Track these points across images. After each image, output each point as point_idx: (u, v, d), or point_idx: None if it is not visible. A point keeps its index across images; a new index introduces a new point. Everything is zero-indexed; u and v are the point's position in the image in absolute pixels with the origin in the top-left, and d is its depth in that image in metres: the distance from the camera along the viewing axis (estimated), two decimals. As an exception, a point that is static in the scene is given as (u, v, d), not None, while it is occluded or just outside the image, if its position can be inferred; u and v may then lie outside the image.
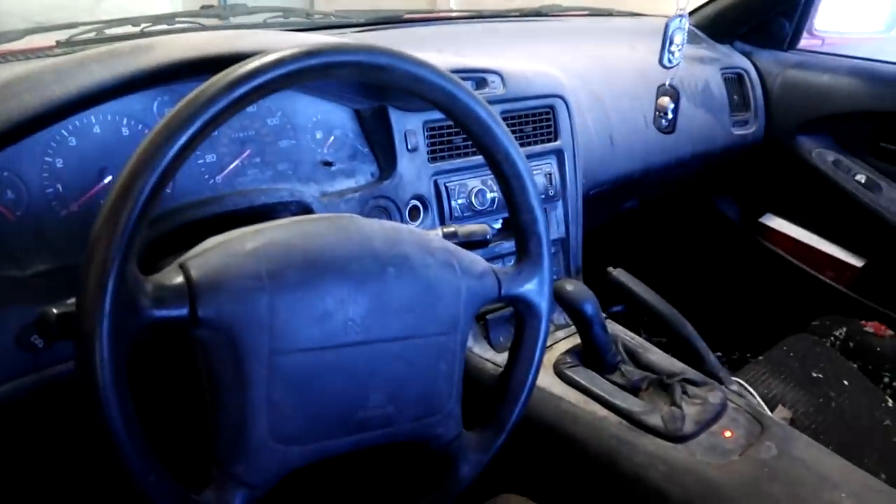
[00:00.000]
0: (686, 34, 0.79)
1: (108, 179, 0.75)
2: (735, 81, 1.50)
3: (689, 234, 1.72)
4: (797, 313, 1.54)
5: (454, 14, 1.59)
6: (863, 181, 1.43)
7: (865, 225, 1.43)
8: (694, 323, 1.11)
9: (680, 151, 1.40)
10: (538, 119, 1.11)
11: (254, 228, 0.60)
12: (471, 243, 0.79)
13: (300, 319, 0.55)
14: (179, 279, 0.53)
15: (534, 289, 0.71)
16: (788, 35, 1.55)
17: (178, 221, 0.77)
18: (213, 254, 0.56)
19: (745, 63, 1.53)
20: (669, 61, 0.79)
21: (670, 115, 0.86)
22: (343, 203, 0.89)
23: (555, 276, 1.09)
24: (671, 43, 0.79)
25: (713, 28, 1.56)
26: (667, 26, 0.79)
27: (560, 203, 1.15)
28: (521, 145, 1.08)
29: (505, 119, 1.06)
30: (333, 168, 0.93)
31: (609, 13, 1.64)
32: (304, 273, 0.56)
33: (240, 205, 0.82)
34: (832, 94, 1.46)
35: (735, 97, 1.49)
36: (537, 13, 1.59)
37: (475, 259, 0.69)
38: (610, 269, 1.13)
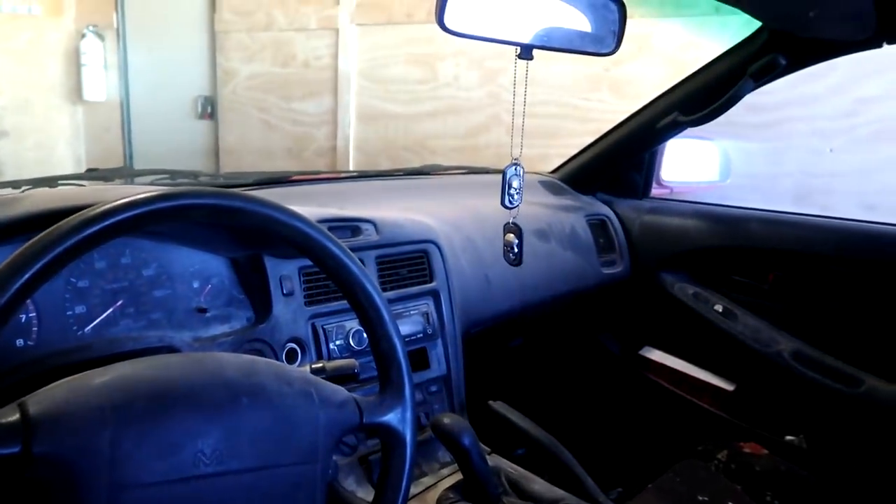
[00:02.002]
0: (522, 179, 0.90)
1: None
2: (599, 227, 1.65)
3: (576, 370, 1.79)
4: (683, 440, 1.60)
5: (341, 174, 1.70)
6: (721, 311, 1.57)
7: (730, 351, 1.55)
8: (587, 456, 1.15)
9: (555, 289, 1.50)
10: (413, 263, 1.18)
11: (105, 367, 0.61)
12: (339, 377, 0.81)
13: (145, 453, 0.55)
14: (14, 417, 0.52)
15: (396, 417, 0.73)
16: (640, 186, 1.75)
17: (38, 369, 0.76)
18: (56, 391, 0.56)
19: (606, 210, 1.70)
20: (511, 202, 0.90)
21: (516, 250, 0.95)
22: (216, 347, 0.91)
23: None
24: (510, 187, 0.89)
25: (576, 182, 1.75)
26: (504, 173, 0.90)
27: (440, 342, 1.19)
28: (397, 287, 1.16)
29: (380, 263, 1.13)
30: (208, 314, 0.95)
31: (485, 171, 1.80)
32: (151, 405, 0.57)
33: (106, 352, 0.82)
34: (683, 235, 1.63)
35: (601, 240, 1.64)
36: (419, 171, 1.73)
37: (336, 389, 0.71)
38: (490, 402, 1.17)
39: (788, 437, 1.48)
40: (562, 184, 1.75)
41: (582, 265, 1.56)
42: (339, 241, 0.71)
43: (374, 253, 1.12)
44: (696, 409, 1.60)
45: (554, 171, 1.82)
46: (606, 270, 1.62)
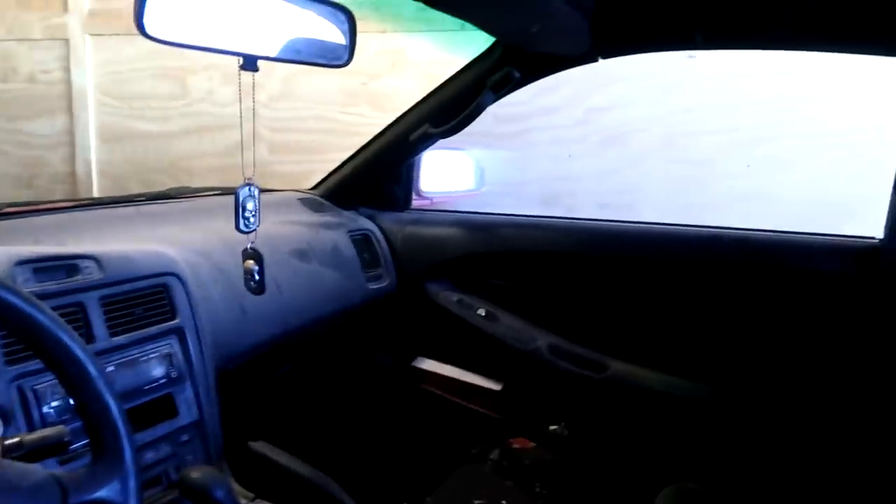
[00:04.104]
0: (258, 200, 0.84)
1: None
2: (362, 242, 1.63)
3: (351, 390, 1.75)
4: (460, 445, 1.63)
5: (64, 203, 1.48)
6: (484, 314, 1.63)
7: (495, 352, 1.61)
8: (369, 477, 1.10)
9: (320, 311, 1.44)
10: (150, 300, 1.05)
11: None
12: (45, 450, 0.68)
13: None
14: None
15: (114, 489, 0.62)
16: (401, 198, 1.76)
17: None
18: None
19: (369, 225, 1.68)
20: (246, 226, 0.82)
21: (257, 277, 0.88)
22: None
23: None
24: (244, 209, 0.82)
25: (337, 197, 1.71)
26: (237, 195, 0.83)
27: (188, 384, 1.07)
28: (133, 329, 1.02)
29: (107, 305, 0.98)
30: None
31: (239, 191, 1.69)
32: None
33: None
34: (444, 244, 1.67)
35: (365, 255, 1.62)
36: (163, 196, 1.57)
37: (27, 470, 0.58)
38: (251, 443, 1.08)
39: (552, 427, 1.57)
40: (322, 200, 1.70)
41: (347, 283, 1.53)
42: (47, 284, 0.59)
43: (97, 294, 0.97)
44: (469, 412, 1.64)
45: (314, 188, 1.76)
46: (373, 285, 1.60)
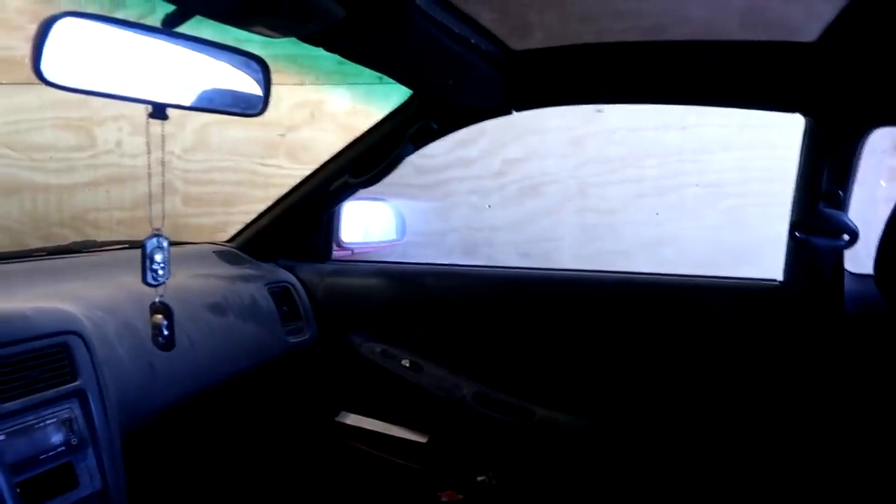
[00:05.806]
0: (167, 252, 0.80)
1: None
2: (282, 294, 1.59)
3: (272, 447, 1.67)
4: (387, 502, 1.59)
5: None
6: (408, 365, 1.61)
7: (420, 403, 1.59)
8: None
9: (237, 366, 1.38)
10: (48, 361, 0.97)
11: None
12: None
13: None
14: None
15: None
16: (322, 249, 1.73)
17: None
18: None
19: (288, 277, 1.64)
20: (154, 279, 0.79)
21: (166, 332, 0.84)
22: None
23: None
24: (152, 262, 0.79)
25: (255, 250, 1.66)
26: (144, 246, 0.79)
27: (91, 451, 0.99)
28: (27, 394, 0.94)
29: (1, 367, 0.91)
30: None
31: (149, 244, 1.62)
32: None
33: None
34: (366, 295, 1.65)
35: (285, 308, 1.57)
36: (67, 250, 1.49)
37: None
38: (161, 511, 1.00)
39: (480, 478, 1.55)
40: (239, 252, 1.65)
41: (266, 336, 1.47)
42: None
43: (-15, 356, 0.90)
44: (395, 466, 1.59)
45: (230, 240, 1.71)
46: (293, 339, 1.55)
